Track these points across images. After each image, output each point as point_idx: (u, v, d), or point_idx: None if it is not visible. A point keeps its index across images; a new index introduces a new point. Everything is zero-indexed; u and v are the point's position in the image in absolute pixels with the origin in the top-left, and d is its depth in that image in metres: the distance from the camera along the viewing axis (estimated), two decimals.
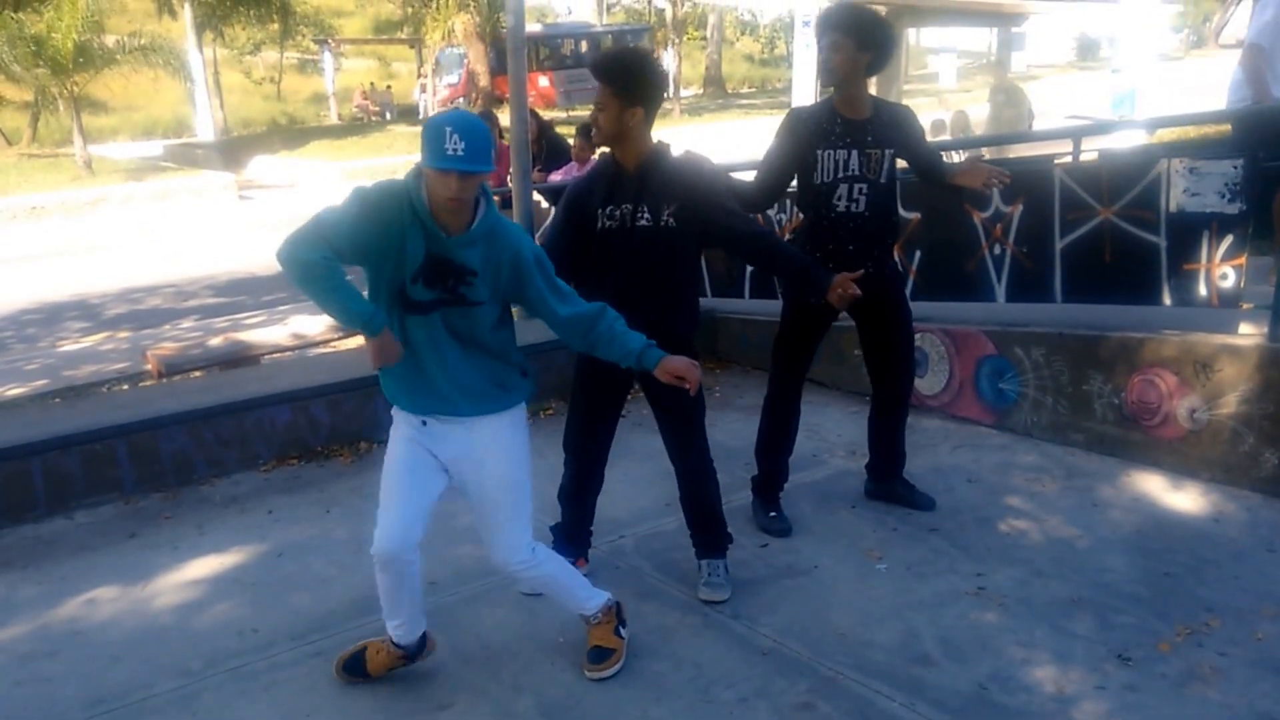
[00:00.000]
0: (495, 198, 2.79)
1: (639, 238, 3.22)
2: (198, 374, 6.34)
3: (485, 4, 27.28)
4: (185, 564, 3.85)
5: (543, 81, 31.47)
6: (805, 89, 15.13)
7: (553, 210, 6.07)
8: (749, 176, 3.85)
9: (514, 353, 2.84)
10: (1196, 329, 4.25)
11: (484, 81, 28.30)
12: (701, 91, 37.12)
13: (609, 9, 44.26)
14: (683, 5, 33.94)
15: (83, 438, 4.40)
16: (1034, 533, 3.84)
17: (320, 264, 2.51)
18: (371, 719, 2.87)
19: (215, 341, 6.91)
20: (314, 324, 6.97)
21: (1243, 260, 4.17)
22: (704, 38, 39.66)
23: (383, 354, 2.64)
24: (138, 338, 8.95)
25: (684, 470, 3.47)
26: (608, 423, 3.49)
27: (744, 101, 34.66)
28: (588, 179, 3.39)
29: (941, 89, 29.71)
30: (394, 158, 21.69)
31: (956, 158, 5.91)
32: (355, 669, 3.01)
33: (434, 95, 32.00)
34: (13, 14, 19.34)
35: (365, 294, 2.65)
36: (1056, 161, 5.57)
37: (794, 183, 3.79)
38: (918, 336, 4.06)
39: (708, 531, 3.50)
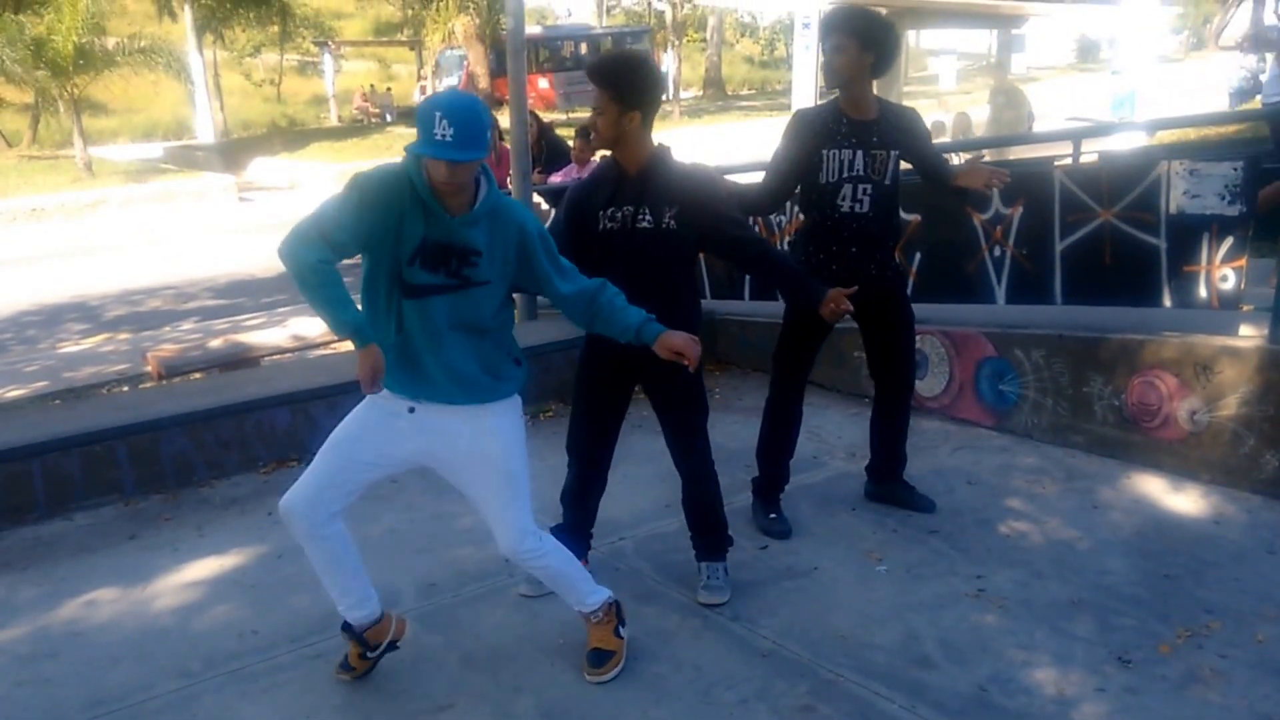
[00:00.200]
0: None
1: (640, 239, 3.22)
2: (198, 376, 6.35)
3: (485, 6, 27.34)
4: (185, 565, 3.85)
5: (542, 83, 31.47)
6: (805, 91, 15.11)
7: (553, 211, 6.09)
8: (748, 179, 3.84)
9: (510, 340, 2.83)
10: (1197, 331, 4.25)
11: (484, 83, 28.34)
12: (701, 93, 37.08)
13: (609, 11, 44.30)
14: (682, 7, 33.92)
15: (82, 439, 4.40)
16: (1034, 534, 3.84)
17: (317, 268, 2.51)
18: None
19: (215, 343, 6.92)
20: (314, 326, 6.95)
21: (1243, 262, 4.17)
22: (704, 40, 39.63)
23: (373, 373, 2.60)
24: (138, 339, 8.95)
25: (686, 472, 3.47)
26: (611, 426, 3.49)
27: (744, 103, 34.63)
28: (590, 181, 3.41)
29: (941, 91, 29.67)
30: (394, 159, 21.61)
31: (957, 159, 5.91)
32: (347, 666, 3.04)
33: None
34: (13, 16, 19.37)
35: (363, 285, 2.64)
36: (1056, 163, 5.58)
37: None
38: (918, 338, 4.06)
39: (708, 534, 3.50)
